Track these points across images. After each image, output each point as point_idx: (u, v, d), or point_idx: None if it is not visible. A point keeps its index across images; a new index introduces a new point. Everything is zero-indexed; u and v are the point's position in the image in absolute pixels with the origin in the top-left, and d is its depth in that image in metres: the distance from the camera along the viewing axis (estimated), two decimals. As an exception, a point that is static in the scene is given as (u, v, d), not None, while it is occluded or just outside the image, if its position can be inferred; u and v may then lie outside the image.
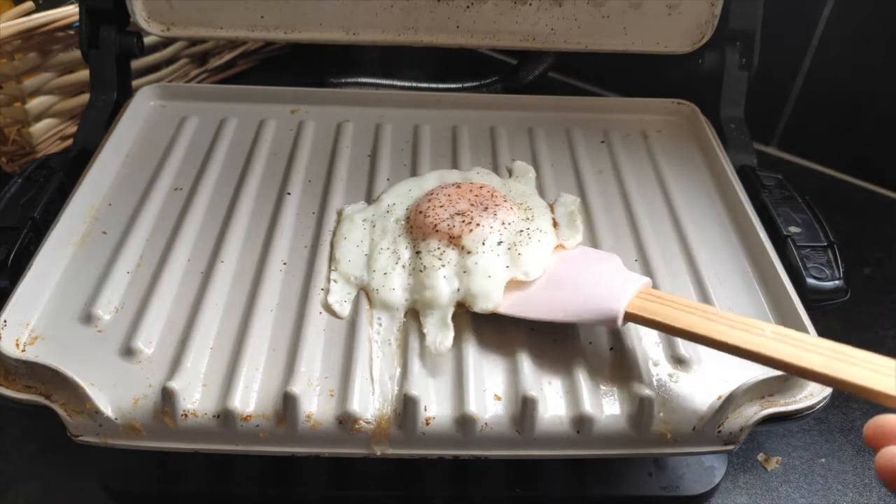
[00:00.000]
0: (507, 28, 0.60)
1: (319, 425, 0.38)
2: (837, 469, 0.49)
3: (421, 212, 0.47)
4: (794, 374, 0.36)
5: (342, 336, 0.42)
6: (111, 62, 0.59)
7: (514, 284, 0.43)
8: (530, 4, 0.59)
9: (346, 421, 0.38)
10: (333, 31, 0.60)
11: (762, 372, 0.38)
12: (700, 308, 0.39)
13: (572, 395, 0.39)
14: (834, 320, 0.56)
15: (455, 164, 0.56)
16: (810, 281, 0.46)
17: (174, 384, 0.38)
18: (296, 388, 0.38)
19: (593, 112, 0.62)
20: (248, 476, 0.45)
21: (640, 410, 0.38)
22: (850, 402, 0.53)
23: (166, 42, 0.73)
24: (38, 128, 0.66)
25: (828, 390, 0.40)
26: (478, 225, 0.45)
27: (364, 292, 0.44)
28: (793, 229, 0.49)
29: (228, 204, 0.51)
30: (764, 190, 0.53)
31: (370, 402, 0.39)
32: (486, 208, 0.47)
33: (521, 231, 0.46)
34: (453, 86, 0.76)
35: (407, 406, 0.38)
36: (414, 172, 0.55)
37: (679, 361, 0.41)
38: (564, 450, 0.39)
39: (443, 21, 0.60)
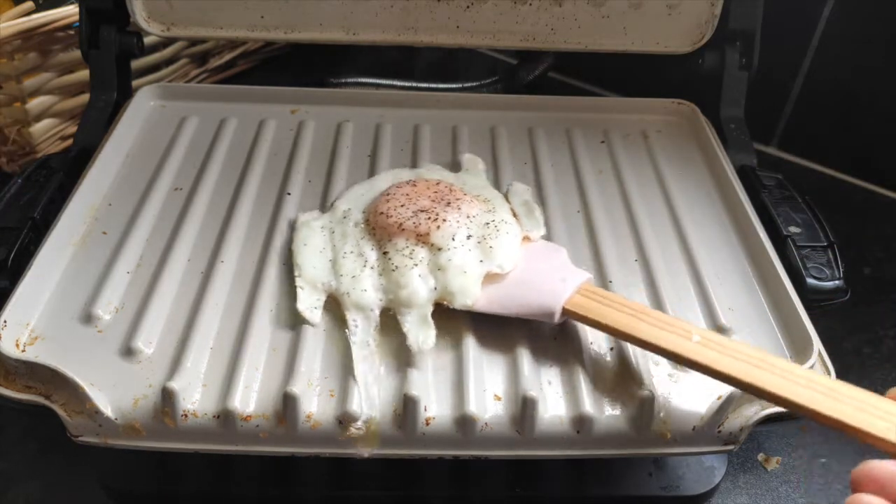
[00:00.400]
0: (507, 28, 0.60)
1: (319, 425, 0.38)
2: (837, 469, 0.49)
3: (382, 212, 0.47)
4: (714, 378, 0.36)
5: (342, 336, 0.42)
6: (111, 62, 0.59)
7: (488, 278, 0.43)
8: (530, 4, 0.59)
9: (346, 421, 0.38)
10: (333, 31, 0.60)
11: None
12: (635, 308, 0.40)
13: (572, 395, 0.40)
14: (834, 320, 0.57)
15: (455, 165, 0.56)
16: (810, 281, 0.46)
17: (174, 384, 0.38)
18: (296, 388, 0.38)
19: (593, 112, 0.62)
20: (248, 476, 0.45)
21: (640, 410, 0.38)
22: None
23: (166, 42, 0.73)
24: (38, 128, 0.66)
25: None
26: (444, 220, 0.45)
27: (333, 297, 0.44)
28: (793, 229, 0.49)
29: (228, 204, 0.51)
30: (764, 190, 0.53)
31: (362, 404, 0.39)
32: (449, 203, 0.47)
33: (488, 224, 0.46)
34: (453, 86, 0.76)
35: (407, 406, 0.38)
36: (414, 172, 0.55)
37: (679, 361, 0.41)
38: (564, 450, 0.39)
39: (443, 21, 0.60)
